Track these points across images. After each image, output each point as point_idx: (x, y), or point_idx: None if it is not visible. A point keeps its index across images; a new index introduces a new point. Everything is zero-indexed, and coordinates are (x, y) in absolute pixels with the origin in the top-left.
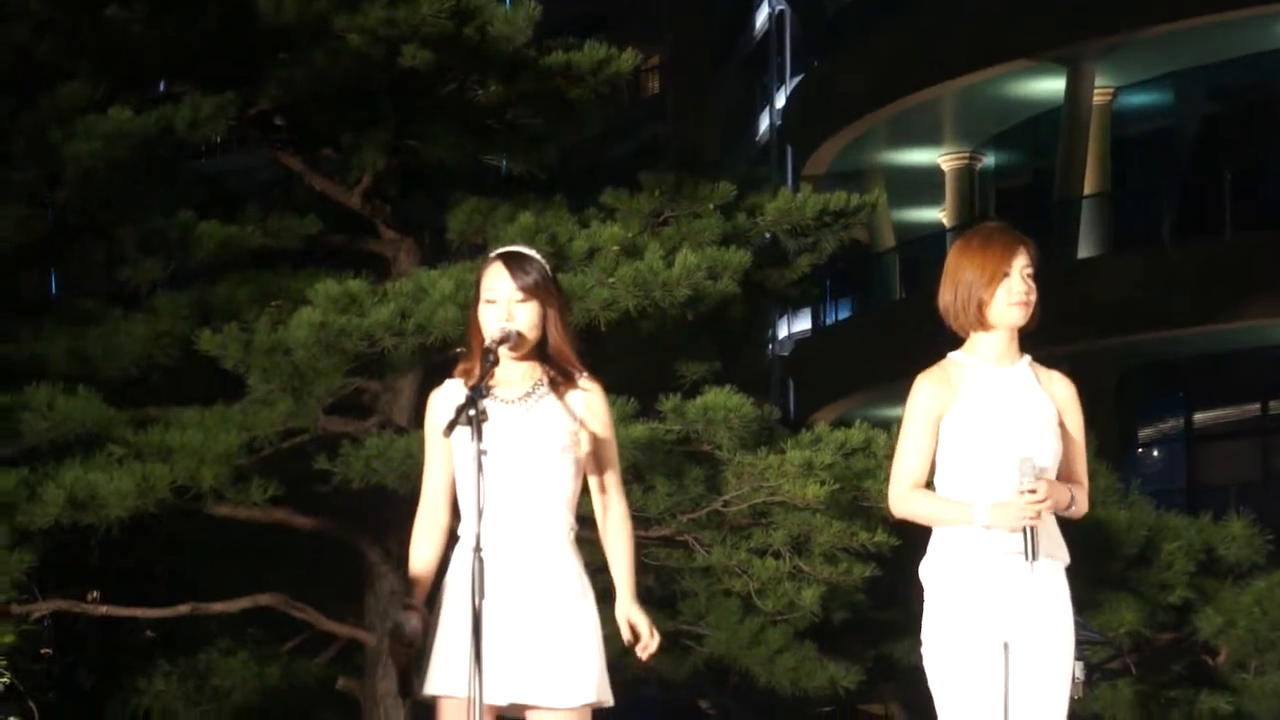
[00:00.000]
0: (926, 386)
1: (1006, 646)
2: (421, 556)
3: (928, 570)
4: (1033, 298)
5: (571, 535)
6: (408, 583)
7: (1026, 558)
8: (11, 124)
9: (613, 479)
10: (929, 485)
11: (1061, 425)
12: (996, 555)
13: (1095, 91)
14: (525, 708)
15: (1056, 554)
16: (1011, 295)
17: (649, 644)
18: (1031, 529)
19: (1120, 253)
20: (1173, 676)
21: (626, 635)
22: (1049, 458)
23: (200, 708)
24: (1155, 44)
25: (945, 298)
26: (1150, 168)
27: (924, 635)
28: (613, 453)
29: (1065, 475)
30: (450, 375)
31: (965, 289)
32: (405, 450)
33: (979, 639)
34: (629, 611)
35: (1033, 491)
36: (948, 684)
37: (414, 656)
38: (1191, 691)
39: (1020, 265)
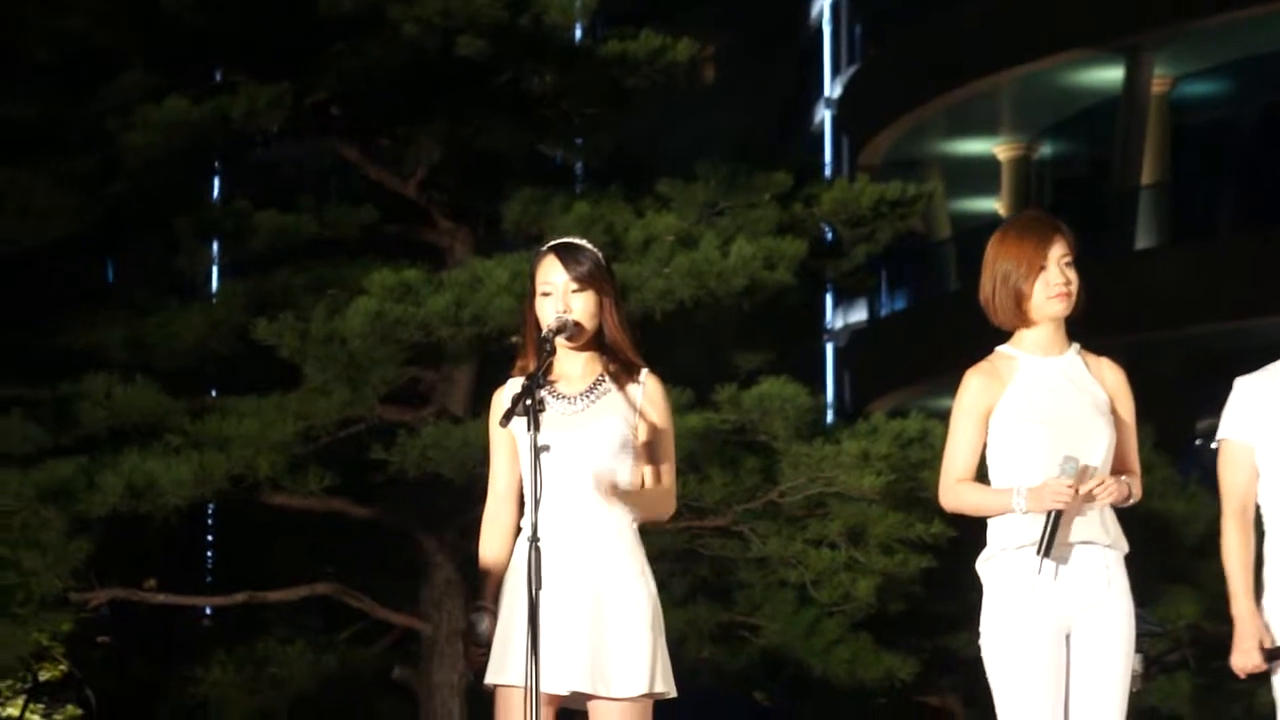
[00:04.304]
0: (974, 381)
1: (1067, 638)
2: (491, 554)
3: (987, 565)
4: (1073, 288)
5: (634, 526)
6: (478, 581)
7: (1038, 551)
8: (69, 114)
9: (666, 471)
10: (982, 480)
11: (1114, 412)
12: (1071, 546)
13: (1154, 81)
14: (586, 697)
15: (1115, 543)
16: (1050, 288)
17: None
18: (1054, 526)
19: (1179, 243)
20: (1232, 670)
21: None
22: (1101, 447)
23: (256, 696)
24: (1215, 33)
25: (985, 292)
26: (1209, 157)
27: (983, 628)
28: (668, 444)
29: (1118, 462)
30: (510, 371)
31: (1003, 283)
32: (461, 439)
33: (1043, 632)
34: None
35: (1070, 487)
36: (1007, 677)
37: (489, 656)
38: (1250, 685)
39: (1057, 255)
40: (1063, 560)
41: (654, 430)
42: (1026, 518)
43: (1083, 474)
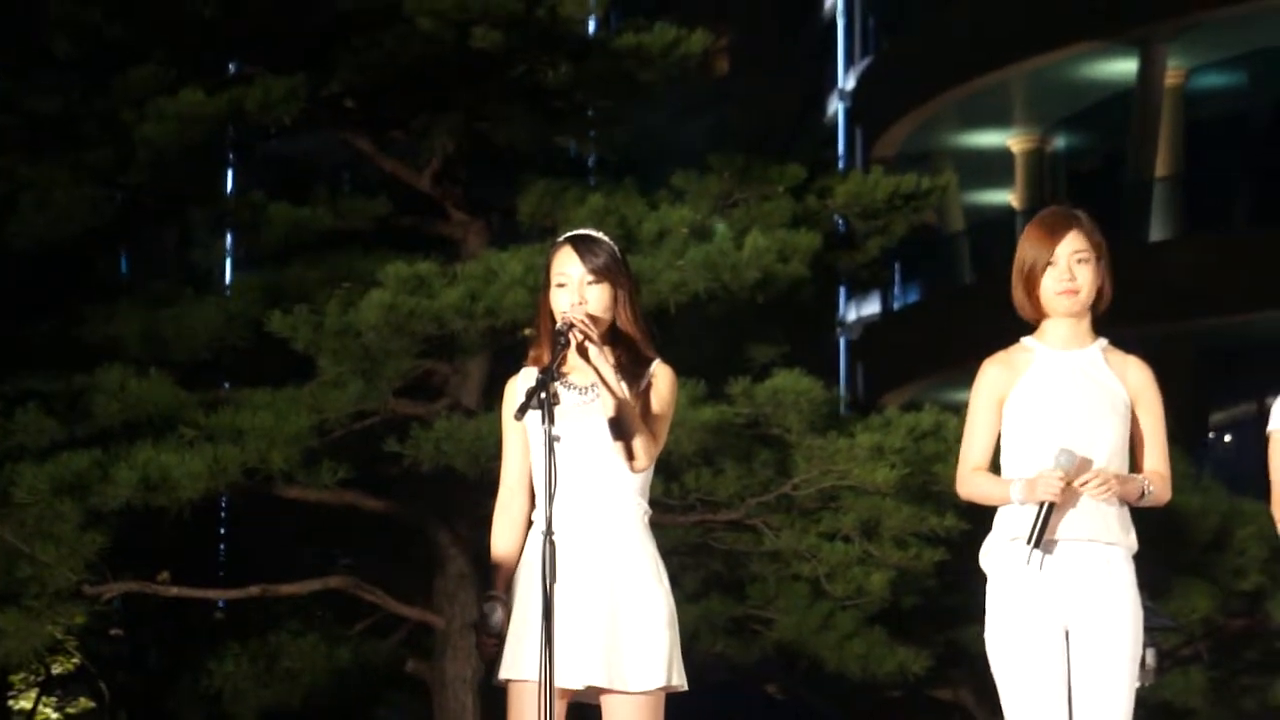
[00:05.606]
0: (990, 370)
1: (1067, 634)
2: (502, 545)
3: (988, 557)
4: (1079, 284)
5: (645, 519)
6: (490, 572)
7: (1027, 542)
8: (84, 106)
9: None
10: (995, 469)
11: (1134, 411)
12: (1056, 541)
13: (1168, 73)
14: (598, 691)
15: (1119, 541)
16: (1057, 283)
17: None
18: (1045, 517)
19: (1193, 236)
20: (1246, 664)
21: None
22: (1107, 444)
23: (270, 689)
24: (1229, 25)
25: (1012, 283)
26: (1224, 150)
27: (986, 622)
28: (660, 431)
29: (1138, 461)
30: (524, 363)
31: (1019, 274)
32: (474, 433)
33: (1039, 626)
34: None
35: (1061, 479)
36: (1010, 671)
37: (501, 647)
38: (1265, 679)
39: (1068, 252)
40: (1049, 552)
41: (647, 413)
42: (1024, 510)
43: (1080, 467)
